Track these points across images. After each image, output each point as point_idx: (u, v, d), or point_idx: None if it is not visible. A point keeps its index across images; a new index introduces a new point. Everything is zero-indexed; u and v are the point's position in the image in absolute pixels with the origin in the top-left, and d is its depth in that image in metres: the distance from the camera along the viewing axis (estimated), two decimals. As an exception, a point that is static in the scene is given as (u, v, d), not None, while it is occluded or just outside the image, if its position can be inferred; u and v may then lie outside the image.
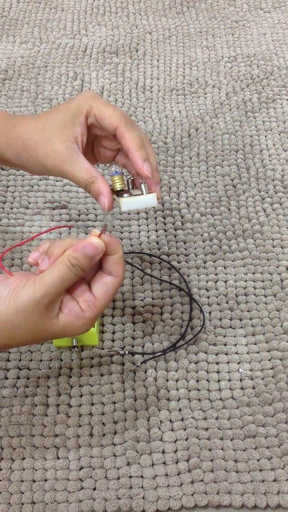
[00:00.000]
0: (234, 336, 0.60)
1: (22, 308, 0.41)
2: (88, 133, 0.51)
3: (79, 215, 0.71)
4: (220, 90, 0.90)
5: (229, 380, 0.56)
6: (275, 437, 0.53)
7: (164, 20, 1.04)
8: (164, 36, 1.00)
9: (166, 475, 0.50)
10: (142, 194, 0.49)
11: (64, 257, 0.42)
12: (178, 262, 0.67)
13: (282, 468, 0.51)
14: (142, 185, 0.49)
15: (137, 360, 0.57)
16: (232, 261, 0.67)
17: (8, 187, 0.75)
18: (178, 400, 0.55)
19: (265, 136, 0.82)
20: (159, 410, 0.54)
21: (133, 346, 0.59)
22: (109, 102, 0.51)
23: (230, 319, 0.61)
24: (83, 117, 0.49)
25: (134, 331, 0.60)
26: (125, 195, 0.49)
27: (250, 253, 0.67)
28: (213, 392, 0.56)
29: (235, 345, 0.59)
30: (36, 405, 0.54)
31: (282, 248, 0.68)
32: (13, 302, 0.41)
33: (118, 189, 0.49)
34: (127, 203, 0.49)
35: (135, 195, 0.49)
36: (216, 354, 0.58)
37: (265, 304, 0.63)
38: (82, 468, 0.51)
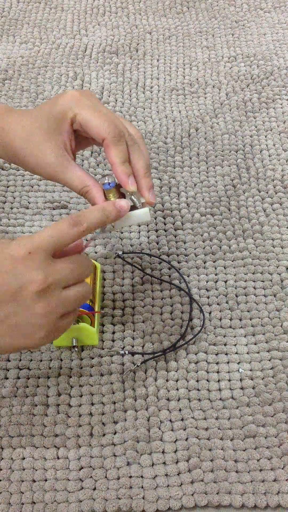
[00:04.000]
0: (234, 336, 0.60)
1: None
2: (75, 133, 0.50)
3: (79, 215, 0.71)
4: (220, 90, 0.90)
5: (229, 380, 0.56)
6: (275, 437, 0.52)
7: (164, 20, 1.04)
8: (164, 36, 1.00)
9: (166, 475, 0.50)
10: (135, 206, 0.49)
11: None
12: (178, 262, 0.67)
13: (282, 468, 0.51)
14: (133, 197, 0.49)
15: (137, 360, 0.57)
16: (232, 261, 0.67)
17: (8, 187, 0.75)
18: (178, 400, 0.55)
19: (265, 136, 0.82)
20: (159, 410, 0.54)
21: (133, 346, 0.59)
22: (93, 104, 0.48)
23: (230, 319, 0.61)
24: (68, 125, 0.48)
25: (134, 331, 0.60)
26: None
27: (250, 253, 0.67)
28: (213, 392, 0.56)
29: (235, 345, 0.59)
30: (36, 405, 0.54)
31: (282, 248, 0.68)
32: None
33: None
34: (119, 220, 0.49)
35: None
36: (216, 354, 0.58)
37: (265, 304, 0.63)
38: (82, 468, 0.51)
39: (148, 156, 0.51)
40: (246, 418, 0.53)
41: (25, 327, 0.42)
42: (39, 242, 0.42)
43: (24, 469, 0.51)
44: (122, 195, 0.50)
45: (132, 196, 0.49)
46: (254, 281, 0.65)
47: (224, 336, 0.60)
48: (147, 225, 0.70)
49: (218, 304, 0.63)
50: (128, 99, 0.88)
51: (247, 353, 0.59)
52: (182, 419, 0.54)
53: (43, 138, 0.49)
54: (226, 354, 0.58)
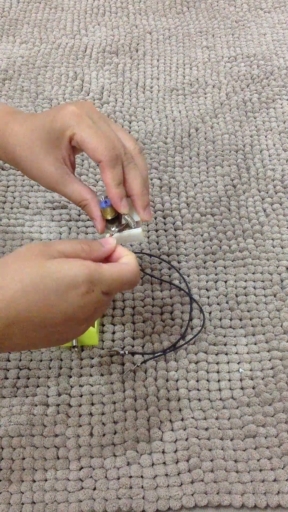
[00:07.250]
0: (234, 336, 0.60)
1: (17, 253, 0.41)
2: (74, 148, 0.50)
3: (79, 215, 0.71)
4: (220, 90, 0.90)
5: (229, 380, 0.56)
6: (275, 437, 0.53)
7: (164, 20, 1.04)
8: (164, 36, 1.00)
9: (166, 475, 0.50)
10: (130, 226, 0.49)
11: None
12: (178, 262, 0.67)
13: (282, 468, 0.51)
14: (127, 217, 0.49)
15: (137, 360, 0.57)
16: (232, 261, 0.67)
17: (8, 187, 0.75)
18: (178, 400, 0.55)
19: (265, 136, 0.82)
20: (159, 410, 0.54)
21: (133, 346, 0.59)
22: (93, 122, 0.48)
23: (230, 319, 0.61)
24: (67, 141, 0.49)
25: (134, 331, 0.60)
26: (113, 228, 0.49)
27: (250, 253, 0.67)
28: (213, 392, 0.56)
29: (235, 345, 0.59)
30: (36, 405, 0.54)
31: (282, 248, 0.68)
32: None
33: (109, 218, 0.49)
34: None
35: (123, 224, 0.50)
36: (216, 354, 0.58)
37: (265, 304, 0.63)
38: (82, 468, 0.51)
39: (147, 172, 0.51)
40: (246, 418, 0.53)
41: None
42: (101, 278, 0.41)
43: (24, 469, 0.51)
44: (118, 213, 0.50)
45: (126, 216, 0.49)
46: (254, 281, 0.65)
47: (224, 336, 0.60)
48: (147, 225, 0.70)
49: (218, 304, 0.63)
50: (128, 99, 0.88)
51: (247, 353, 0.59)
52: (182, 419, 0.54)
53: (43, 151, 0.49)
54: (226, 354, 0.58)
